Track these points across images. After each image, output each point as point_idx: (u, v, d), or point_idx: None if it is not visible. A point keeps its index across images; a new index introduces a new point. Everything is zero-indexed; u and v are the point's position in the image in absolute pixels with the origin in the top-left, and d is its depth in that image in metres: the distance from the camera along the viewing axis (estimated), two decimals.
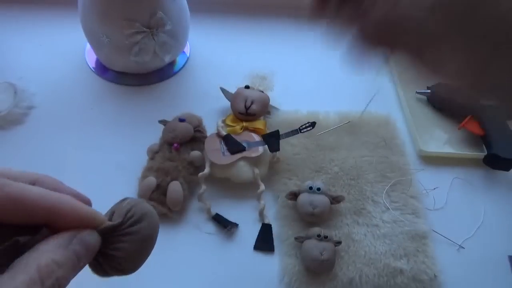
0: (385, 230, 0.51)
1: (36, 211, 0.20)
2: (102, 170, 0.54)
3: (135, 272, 0.23)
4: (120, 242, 0.22)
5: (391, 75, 0.71)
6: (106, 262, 0.22)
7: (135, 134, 0.58)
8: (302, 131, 0.55)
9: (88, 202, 0.24)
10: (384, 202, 0.53)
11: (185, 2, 0.63)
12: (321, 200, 0.50)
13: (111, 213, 0.23)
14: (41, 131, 0.57)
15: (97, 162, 0.55)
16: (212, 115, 0.60)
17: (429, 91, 0.67)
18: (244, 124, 0.57)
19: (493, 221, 0.54)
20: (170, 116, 0.57)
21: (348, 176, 0.55)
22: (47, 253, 0.19)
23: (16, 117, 0.58)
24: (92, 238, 0.21)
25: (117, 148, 0.56)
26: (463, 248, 0.51)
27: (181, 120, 0.55)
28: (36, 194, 0.20)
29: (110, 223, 0.22)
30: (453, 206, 0.55)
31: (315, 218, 0.50)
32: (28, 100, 0.60)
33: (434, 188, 0.56)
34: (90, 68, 0.66)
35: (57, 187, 0.22)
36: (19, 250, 0.19)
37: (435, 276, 0.47)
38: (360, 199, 0.53)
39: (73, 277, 0.20)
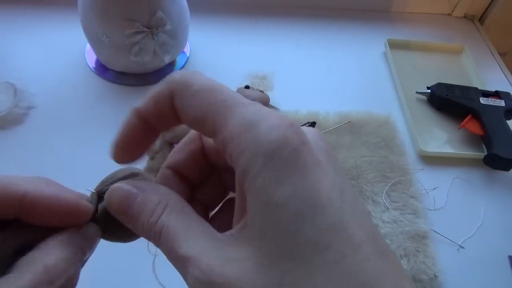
0: (385, 230, 0.51)
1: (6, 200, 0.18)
2: (102, 170, 0.54)
3: None
4: (115, 228, 0.21)
5: (391, 75, 0.71)
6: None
7: None
8: None
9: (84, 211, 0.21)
10: (384, 202, 0.53)
11: (185, 2, 0.63)
12: None
13: (101, 191, 0.22)
14: (41, 131, 0.57)
15: (97, 162, 0.55)
16: None
17: (429, 91, 0.67)
18: None
19: (493, 221, 0.54)
20: None
21: (348, 176, 0.55)
22: (53, 250, 0.18)
23: (16, 117, 0.58)
24: (93, 231, 0.20)
25: None
26: (463, 248, 0.51)
27: None
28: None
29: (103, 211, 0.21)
30: (453, 206, 0.55)
31: None
32: (28, 100, 0.60)
33: (434, 188, 0.56)
34: (90, 68, 0.66)
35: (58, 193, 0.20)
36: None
37: (435, 276, 0.47)
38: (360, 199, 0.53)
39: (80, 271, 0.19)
